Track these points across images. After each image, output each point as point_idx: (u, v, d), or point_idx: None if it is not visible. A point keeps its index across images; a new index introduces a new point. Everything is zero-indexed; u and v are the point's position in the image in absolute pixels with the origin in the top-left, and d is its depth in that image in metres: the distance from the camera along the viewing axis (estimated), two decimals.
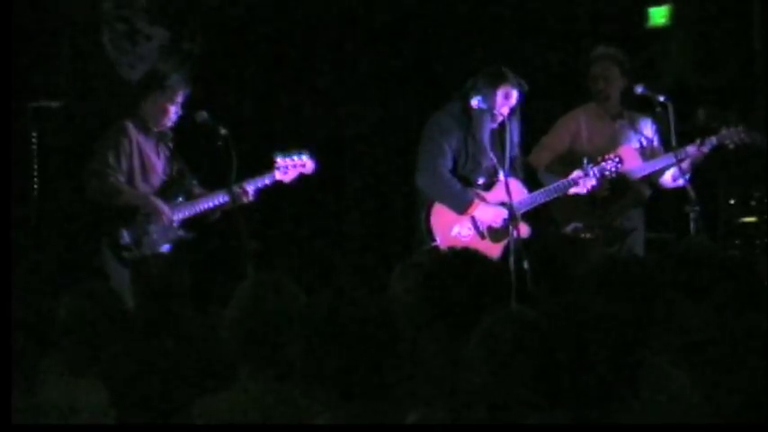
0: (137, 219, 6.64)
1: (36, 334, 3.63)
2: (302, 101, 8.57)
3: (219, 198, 6.72)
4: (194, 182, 6.86)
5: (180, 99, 6.74)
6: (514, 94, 6.76)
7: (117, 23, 8.26)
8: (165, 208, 6.68)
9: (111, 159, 6.64)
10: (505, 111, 6.76)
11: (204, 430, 3.39)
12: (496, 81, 6.74)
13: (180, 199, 6.81)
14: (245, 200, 6.69)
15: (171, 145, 6.86)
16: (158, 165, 6.81)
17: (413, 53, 8.66)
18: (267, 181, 6.81)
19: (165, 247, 6.68)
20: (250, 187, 6.72)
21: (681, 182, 6.90)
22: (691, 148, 6.95)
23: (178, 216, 6.74)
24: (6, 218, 5.66)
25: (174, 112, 6.74)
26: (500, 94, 6.73)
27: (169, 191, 6.82)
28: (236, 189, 6.61)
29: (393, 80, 8.63)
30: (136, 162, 6.72)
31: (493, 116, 6.76)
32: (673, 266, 3.97)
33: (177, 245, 6.71)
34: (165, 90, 6.71)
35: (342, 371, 2.86)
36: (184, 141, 7.00)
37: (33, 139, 7.43)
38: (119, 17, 8.26)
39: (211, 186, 6.83)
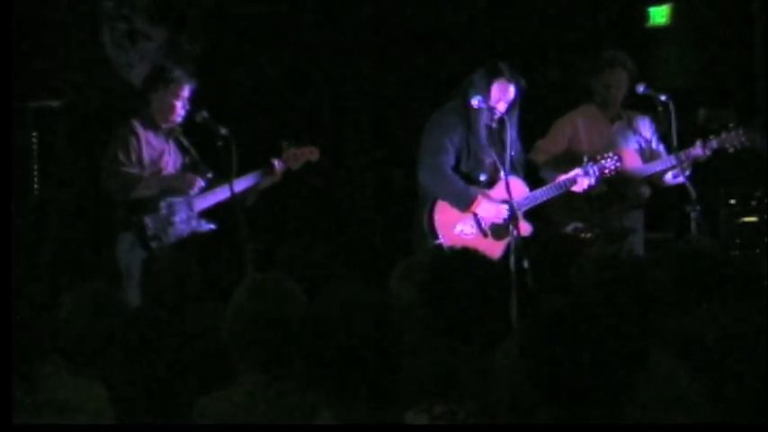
0: (159, 208, 6.66)
1: (36, 333, 3.63)
2: (303, 100, 8.57)
3: (229, 190, 6.76)
4: (209, 174, 6.87)
5: (186, 94, 6.77)
6: (511, 90, 6.74)
7: (117, 23, 8.26)
8: (194, 178, 6.73)
9: (122, 155, 6.67)
10: (502, 106, 6.73)
11: (204, 430, 3.39)
12: (492, 76, 6.72)
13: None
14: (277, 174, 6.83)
15: (182, 139, 6.87)
16: (169, 161, 6.84)
17: (414, 51, 8.66)
18: (277, 166, 6.86)
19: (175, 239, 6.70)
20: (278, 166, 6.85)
21: (680, 179, 6.91)
22: (691, 151, 6.95)
23: (197, 207, 6.77)
24: (6, 218, 5.65)
25: (180, 107, 6.76)
26: (495, 88, 6.71)
27: None
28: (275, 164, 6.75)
29: (394, 78, 8.64)
30: (146, 158, 6.73)
31: (492, 113, 6.74)
32: (673, 266, 3.98)
33: (191, 239, 6.73)
34: (170, 85, 6.74)
35: (342, 370, 2.85)
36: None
37: (33, 139, 7.43)
38: (119, 17, 8.26)
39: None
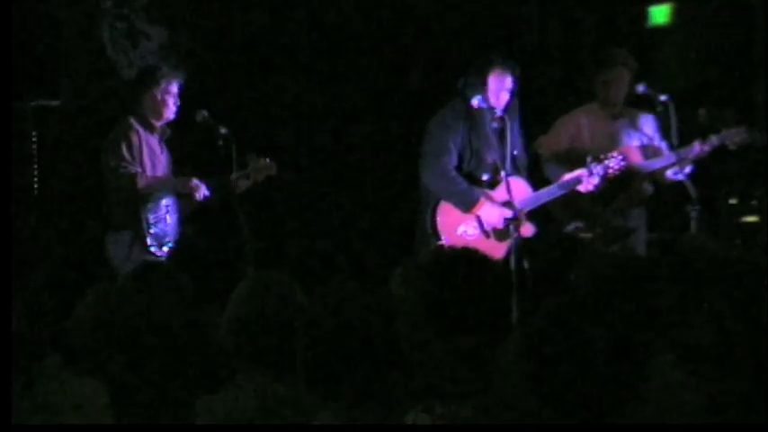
0: (160, 208, 6.65)
1: (36, 334, 3.63)
2: (302, 99, 8.57)
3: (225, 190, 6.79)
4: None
5: (175, 89, 6.76)
6: (508, 79, 6.71)
7: (117, 23, 8.26)
8: (195, 181, 6.71)
9: (126, 153, 6.65)
10: (504, 96, 6.70)
11: (204, 430, 3.39)
12: (485, 68, 6.69)
13: None
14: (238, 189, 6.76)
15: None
16: (163, 160, 6.84)
17: (414, 49, 8.66)
18: (241, 184, 6.82)
19: (167, 247, 6.69)
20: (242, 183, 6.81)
21: (680, 176, 6.93)
22: (692, 148, 6.96)
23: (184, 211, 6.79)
24: (6, 218, 5.65)
25: (173, 103, 6.75)
26: (492, 81, 6.68)
27: None
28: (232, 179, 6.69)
29: (394, 77, 8.64)
30: (145, 158, 6.73)
31: (493, 113, 6.72)
32: (673, 265, 3.97)
33: (182, 242, 6.73)
34: (160, 83, 6.73)
35: (342, 371, 2.85)
36: (184, 140, 7.01)
37: (33, 139, 7.43)
38: (119, 16, 8.26)
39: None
